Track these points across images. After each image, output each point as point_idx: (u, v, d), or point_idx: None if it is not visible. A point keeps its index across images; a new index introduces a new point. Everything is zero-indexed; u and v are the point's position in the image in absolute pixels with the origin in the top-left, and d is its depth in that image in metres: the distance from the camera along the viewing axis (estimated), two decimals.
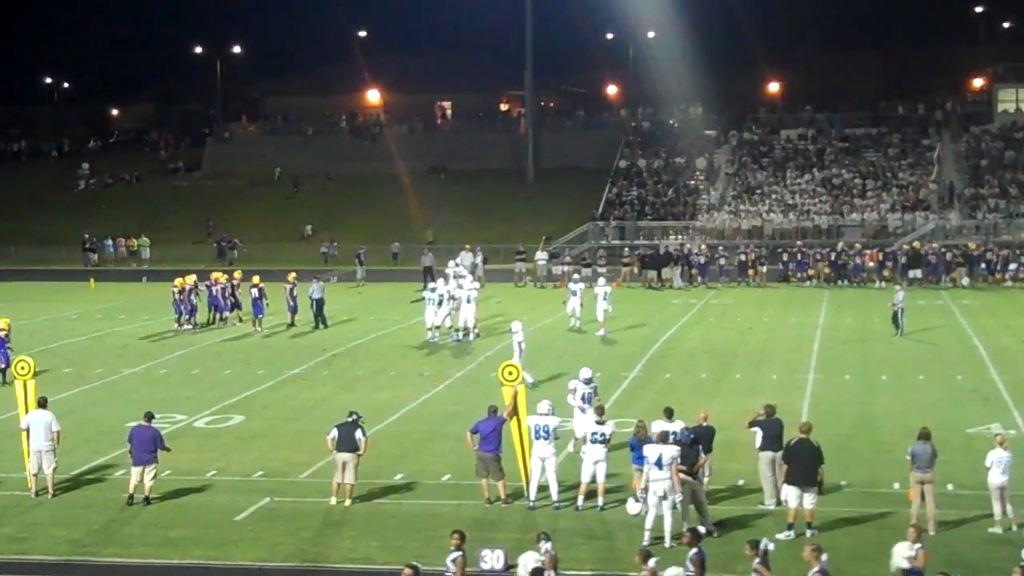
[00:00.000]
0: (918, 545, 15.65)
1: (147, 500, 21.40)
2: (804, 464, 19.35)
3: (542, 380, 30.94)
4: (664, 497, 18.97)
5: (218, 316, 42.57)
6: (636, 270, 55.85)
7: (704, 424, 20.98)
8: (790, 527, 19.24)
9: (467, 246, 57.30)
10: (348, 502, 21.15)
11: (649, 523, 19.00)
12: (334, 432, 21.33)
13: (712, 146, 76.95)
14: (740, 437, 22.91)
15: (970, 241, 57.29)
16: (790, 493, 19.43)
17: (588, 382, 23.96)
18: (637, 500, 19.88)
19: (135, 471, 21.49)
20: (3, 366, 32.35)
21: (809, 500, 19.35)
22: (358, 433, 21.27)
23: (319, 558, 18.56)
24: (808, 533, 19.09)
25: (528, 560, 15.38)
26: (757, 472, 21.20)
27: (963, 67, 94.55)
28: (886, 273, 53.80)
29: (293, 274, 43.19)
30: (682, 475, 19.25)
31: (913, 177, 69.54)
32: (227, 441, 26.29)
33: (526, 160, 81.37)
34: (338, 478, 21.24)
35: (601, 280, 42.34)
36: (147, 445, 21.51)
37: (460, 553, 15.45)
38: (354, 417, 21.58)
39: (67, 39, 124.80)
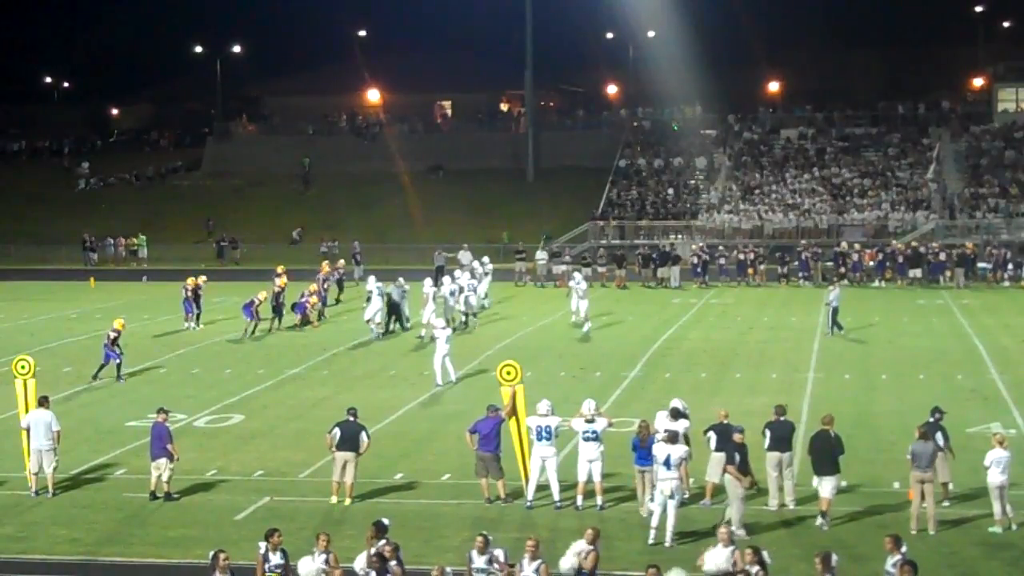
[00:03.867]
0: (590, 547, 15.51)
1: (168, 495, 21.57)
2: (821, 453, 19.87)
3: (540, 380, 30.93)
4: (671, 496, 19.03)
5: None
6: (637, 269, 55.94)
7: (724, 422, 21.02)
8: (823, 515, 19.68)
9: (465, 245, 57.68)
10: (348, 501, 21.16)
11: (655, 522, 19.03)
12: (336, 431, 21.31)
13: (712, 146, 76.92)
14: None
15: (968, 241, 57.26)
16: (816, 482, 19.90)
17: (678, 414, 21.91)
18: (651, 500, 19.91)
19: (152, 467, 21.66)
20: (103, 364, 32.90)
21: (826, 489, 19.61)
22: (363, 435, 21.29)
23: None
24: (818, 520, 19.48)
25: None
26: (758, 472, 21.16)
27: (963, 67, 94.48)
28: (887, 275, 53.84)
29: (326, 265, 45.19)
30: (734, 476, 19.26)
31: (913, 177, 69.54)
32: (227, 441, 26.29)
33: (526, 160, 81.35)
34: (337, 477, 21.25)
35: (577, 275, 42.64)
36: (158, 441, 21.67)
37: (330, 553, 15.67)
38: (354, 415, 21.59)
39: (67, 39, 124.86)
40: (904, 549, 15.08)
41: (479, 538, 15.82)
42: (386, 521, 16.34)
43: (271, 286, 42.13)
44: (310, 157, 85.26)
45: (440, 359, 31.79)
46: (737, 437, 19.83)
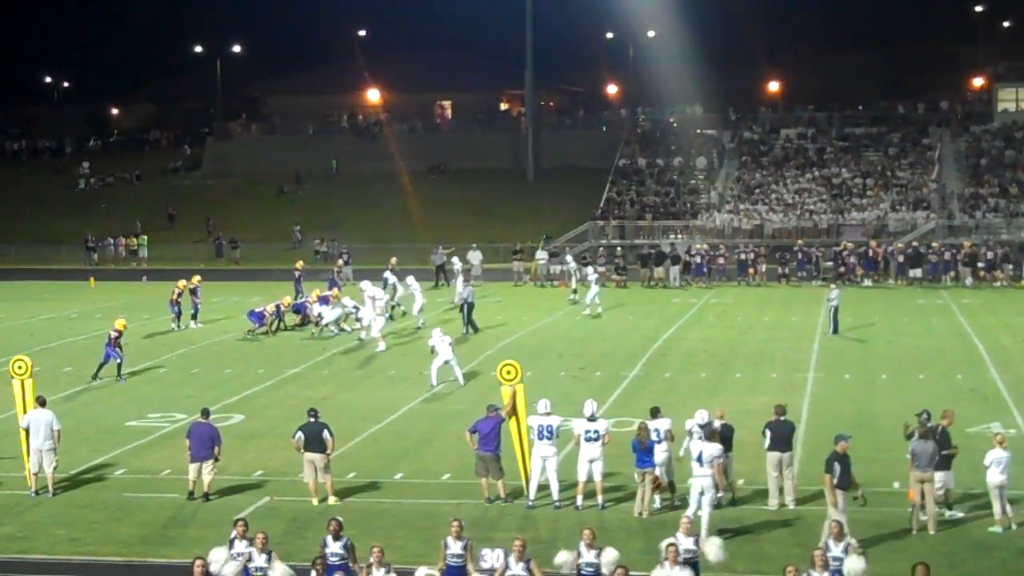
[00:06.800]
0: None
1: (206, 496, 21.57)
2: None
3: (540, 380, 30.90)
4: (702, 493, 19.07)
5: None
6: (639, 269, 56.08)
7: (722, 422, 20.97)
8: (949, 507, 20.07)
9: (474, 245, 58.04)
10: (333, 499, 21.16)
11: (690, 512, 18.85)
12: (299, 434, 21.34)
13: (712, 146, 76.89)
14: (740, 436, 22.86)
15: (967, 240, 57.28)
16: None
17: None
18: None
19: (192, 467, 21.67)
20: (103, 363, 32.90)
21: (936, 481, 19.69)
22: (325, 433, 21.29)
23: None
24: (947, 513, 19.85)
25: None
26: (758, 472, 21.17)
27: (963, 67, 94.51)
28: (855, 272, 54.00)
29: (301, 262, 46.82)
30: (827, 488, 18.58)
31: (913, 176, 69.53)
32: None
33: (526, 160, 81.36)
34: (309, 479, 21.28)
35: (589, 268, 42.99)
36: (205, 442, 21.67)
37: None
38: (314, 416, 21.60)
39: (67, 39, 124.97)
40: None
41: (454, 523, 16.08)
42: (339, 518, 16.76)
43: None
44: (307, 156, 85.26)
45: (441, 363, 31.59)
46: (841, 446, 18.99)
